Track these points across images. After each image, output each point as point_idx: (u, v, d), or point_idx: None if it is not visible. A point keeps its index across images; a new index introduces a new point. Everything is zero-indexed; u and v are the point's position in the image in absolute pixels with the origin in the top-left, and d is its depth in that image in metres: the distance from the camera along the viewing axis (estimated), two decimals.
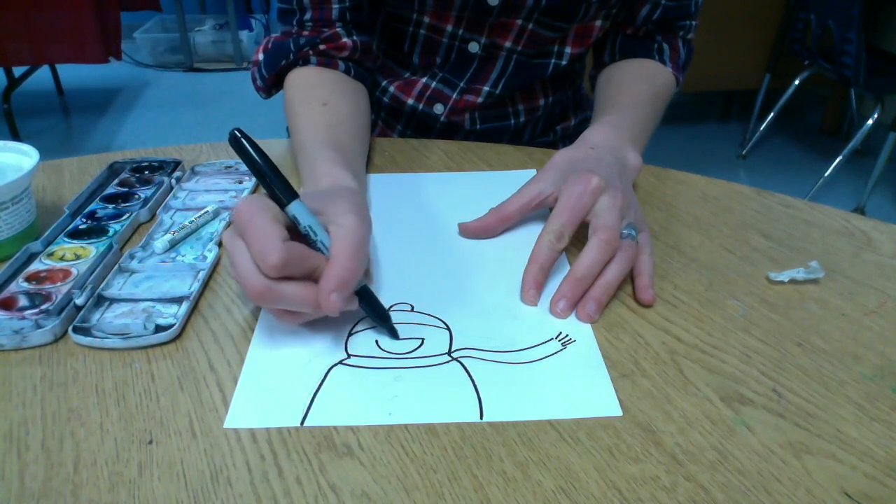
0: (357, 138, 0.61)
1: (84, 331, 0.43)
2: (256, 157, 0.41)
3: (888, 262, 0.53)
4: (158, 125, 2.76)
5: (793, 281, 0.50)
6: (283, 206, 0.41)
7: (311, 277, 0.41)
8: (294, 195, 0.41)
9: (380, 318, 0.44)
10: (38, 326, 0.43)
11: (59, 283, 0.47)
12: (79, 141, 2.60)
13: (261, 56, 0.70)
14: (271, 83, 0.70)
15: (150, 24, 3.45)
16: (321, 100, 0.62)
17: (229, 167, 0.66)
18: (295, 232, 0.41)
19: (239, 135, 0.41)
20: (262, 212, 0.40)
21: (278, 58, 0.68)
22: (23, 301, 0.45)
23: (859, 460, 0.35)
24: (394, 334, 0.43)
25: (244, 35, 3.39)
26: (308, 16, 0.68)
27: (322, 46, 0.67)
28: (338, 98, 0.63)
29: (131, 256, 0.51)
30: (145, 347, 0.42)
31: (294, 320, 0.42)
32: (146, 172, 0.64)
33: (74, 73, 3.04)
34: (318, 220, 0.42)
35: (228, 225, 0.55)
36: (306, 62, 0.68)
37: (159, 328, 0.43)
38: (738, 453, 0.35)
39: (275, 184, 0.41)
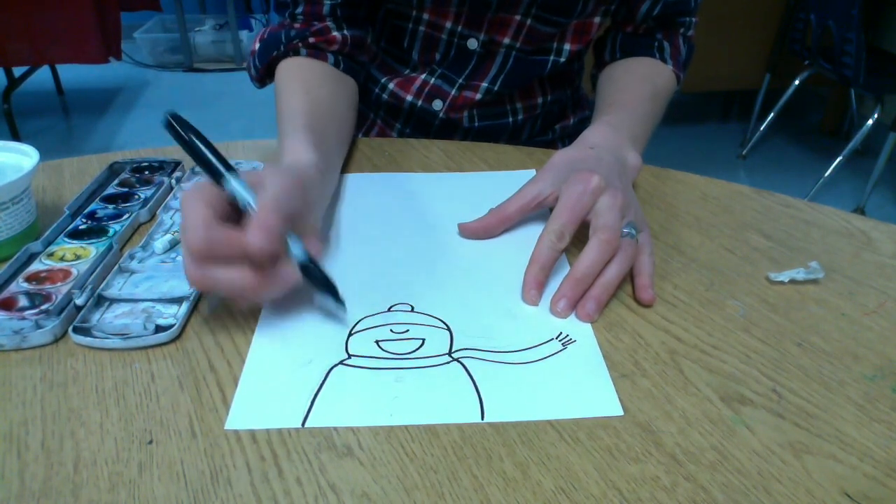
0: (335, 120, 0.62)
1: (84, 331, 0.43)
2: (190, 138, 0.42)
3: (888, 262, 0.53)
4: (158, 125, 2.72)
5: (793, 281, 0.50)
6: (220, 183, 0.42)
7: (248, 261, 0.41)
8: (229, 171, 0.42)
9: (326, 290, 0.44)
10: (39, 327, 0.43)
11: (59, 284, 0.47)
12: (79, 141, 2.60)
13: (256, 46, 0.72)
14: (263, 73, 0.72)
15: (150, 24, 3.45)
16: (304, 88, 0.63)
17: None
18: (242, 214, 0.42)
19: (171, 119, 0.42)
20: (195, 193, 0.41)
21: (270, 48, 0.69)
22: (23, 301, 0.45)
23: (859, 460, 0.35)
24: (340, 303, 0.44)
25: (244, 35, 3.39)
26: (300, 9, 0.69)
27: (312, 39, 0.68)
28: (319, 85, 0.65)
29: (131, 257, 0.51)
30: (145, 348, 0.42)
31: (241, 305, 0.44)
32: (146, 172, 0.64)
33: (74, 73, 3.04)
34: (258, 194, 0.42)
35: None
36: (296, 53, 0.69)
37: (159, 328, 0.43)
38: (738, 453, 0.35)
39: (210, 163, 0.42)
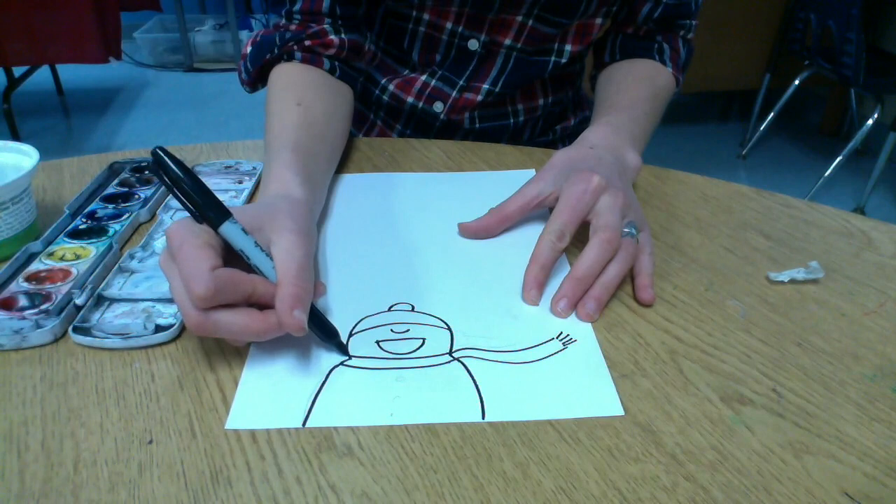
0: (326, 141, 0.59)
1: (84, 331, 0.43)
2: (182, 178, 0.38)
3: (888, 262, 0.53)
4: (158, 125, 2.75)
5: (793, 281, 0.50)
6: (215, 228, 0.39)
7: (249, 302, 0.40)
8: (225, 216, 0.39)
9: (327, 336, 0.42)
10: (38, 326, 0.43)
11: (59, 283, 0.47)
12: (79, 141, 2.60)
13: (248, 49, 0.69)
14: (255, 77, 0.69)
15: (150, 24, 3.45)
16: (296, 99, 0.60)
17: (229, 167, 0.66)
18: (234, 251, 0.40)
19: (162, 154, 0.38)
20: (191, 237, 0.38)
21: (263, 51, 0.67)
22: (23, 301, 0.45)
23: (859, 460, 0.35)
24: (343, 351, 0.42)
25: (244, 35, 3.38)
26: (298, 6, 0.67)
27: (307, 42, 0.66)
28: (314, 98, 0.62)
29: (131, 256, 0.51)
30: (145, 347, 0.42)
31: (237, 344, 0.42)
32: (146, 172, 0.64)
33: (74, 73, 3.04)
34: (255, 238, 0.40)
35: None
36: (290, 57, 0.66)
37: (159, 328, 0.43)
38: (738, 453, 0.35)
39: (205, 206, 0.39)
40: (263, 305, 0.40)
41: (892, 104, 2.34)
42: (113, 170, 0.64)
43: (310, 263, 0.41)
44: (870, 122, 2.12)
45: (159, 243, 0.52)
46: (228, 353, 0.42)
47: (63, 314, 0.44)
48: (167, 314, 0.45)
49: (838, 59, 2.04)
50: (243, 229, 0.40)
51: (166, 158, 0.38)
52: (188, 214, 0.40)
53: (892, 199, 2.28)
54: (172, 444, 0.36)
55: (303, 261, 0.40)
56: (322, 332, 0.42)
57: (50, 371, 0.41)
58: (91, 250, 0.51)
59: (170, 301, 0.46)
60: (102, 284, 0.47)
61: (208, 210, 0.39)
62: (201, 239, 0.39)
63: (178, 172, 0.39)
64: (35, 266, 0.49)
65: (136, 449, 0.35)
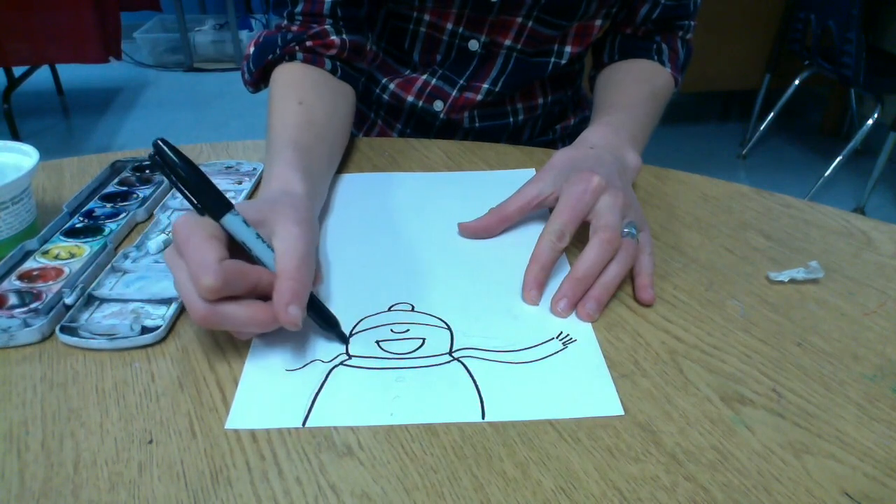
0: (326, 141, 0.60)
1: (71, 331, 0.43)
2: (184, 170, 0.39)
3: (888, 262, 0.53)
4: (158, 125, 2.75)
5: (793, 281, 0.50)
6: (217, 220, 0.40)
7: (254, 293, 0.40)
8: (227, 208, 0.40)
9: (328, 325, 0.42)
10: (26, 325, 0.42)
11: (50, 282, 0.47)
12: (79, 141, 2.60)
13: (251, 50, 0.69)
14: (258, 78, 0.69)
15: (150, 24, 3.45)
16: (297, 98, 0.61)
17: (230, 167, 0.66)
18: (237, 245, 0.40)
19: (163, 145, 0.38)
20: (198, 229, 0.38)
21: (265, 52, 0.67)
22: (13, 299, 0.45)
23: (859, 460, 0.35)
24: (343, 339, 0.42)
25: (244, 35, 3.38)
26: (299, 8, 0.67)
27: (309, 43, 0.66)
28: (315, 98, 0.62)
29: (125, 256, 0.50)
30: (130, 349, 0.42)
31: (241, 337, 0.42)
32: (147, 171, 0.64)
33: (74, 73, 3.04)
34: (258, 231, 0.41)
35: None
36: (292, 58, 0.66)
37: (145, 329, 0.43)
38: (738, 453, 0.35)
39: (207, 197, 0.39)
40: (268, 296, 0.40)
41: (892, 104, 2.33)
42: (115, 168, 0.64)
43: (311, 256, 0.41)
44: (870, 122, 2.12)
45: (153, 243, 0.51)
46: (228, 352, 0.42)
47: (52, 313, 0.44)
48: (155, 315, 0.44)
49: (838, 59, 2.04)
50: (245, 221, 0.40)
51: (167, 150, 0.38)
52: (186, 212, 0.40)
53: (892, 199, 2.28)
54: (172, 444, 0.36)
55: (303, 253, 0.40)
56: (322, 320, 0.42)
57: (50, 371, 0.41)
58: (85, 249, 0.51)
59: (159, 302, 0.46)
60: (94, 284, 0.47)
61: (210, 202, 0.39)
62: (207, 231, 0.39)
63: (180, 164, 0.39)
64: (29, 264, 0.49)
65: (136, 449, 0.35)
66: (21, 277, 0.48)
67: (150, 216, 0.58)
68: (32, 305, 0.44)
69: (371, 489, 0.33)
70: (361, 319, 0.45)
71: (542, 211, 0.55)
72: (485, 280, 0.49)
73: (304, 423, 0.37)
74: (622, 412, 0.38)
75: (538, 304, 0.46)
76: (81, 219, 0.56)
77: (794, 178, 2.40)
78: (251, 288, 0.40)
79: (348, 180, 0.64)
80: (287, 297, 0.38)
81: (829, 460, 0.35)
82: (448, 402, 0.38)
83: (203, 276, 0.36)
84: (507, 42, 0.73)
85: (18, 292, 0.46)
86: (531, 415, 0.37)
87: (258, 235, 0.41)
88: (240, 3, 3.54)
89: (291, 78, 0.65)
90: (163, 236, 0.52)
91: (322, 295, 0.47)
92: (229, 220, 0.40)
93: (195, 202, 0.40)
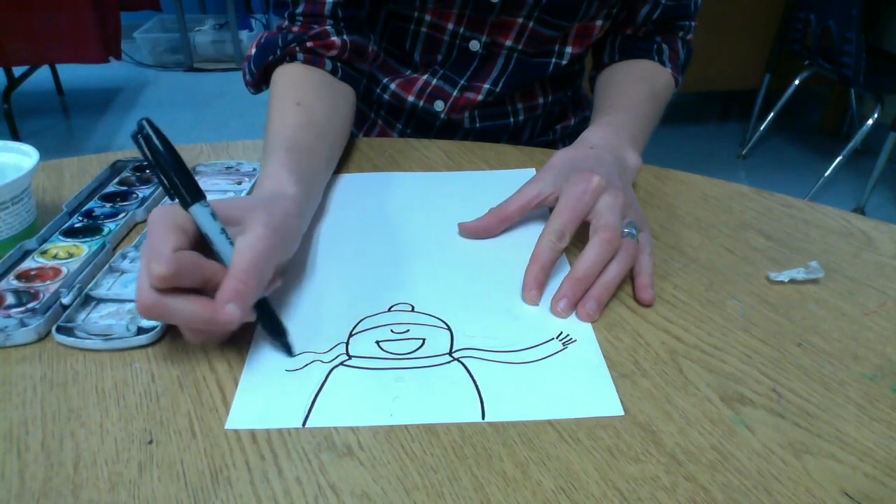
0: (325, 141, 0.59)
1: (67, 331, 0.43)
2: (162, 152, 0.38)
3: (888, 262, 0.53)
4: (158, 125, 2.74)
5: (793, 281, 0.50)
6: (186, 208, 0.39)
7: (208, 288, 0.39)
8: (197, 197, 0.39)
9: (275, 333, 0.42)
10: (23, 325, 0.42)
11: (48, 282, 0.47)
12: (79, 141, 2.60)
13: (252, 51, 0.69)
14: (259, 79, 0.69)
15: (150, 24, 3.45)
16: (296, 99, 0.61)
17: (230, 168, 0.66)
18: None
19: (147, 125, 0.38)
20: (164, 219, 0.38)
21: (266, 53, 0.67)
22: (10, 299, 0.45)
23: (859, 460, 0.35)
24: (288, 351, 0.42)
25: (244, 35, 3.39)
26: (300, 9, 0.67)
27: (309, 44, 0.66)
28: (314, 98, 0.62)
29: (123, 256, 0.50)
30: (126, 349, 0.42)
31: (193, 339, 0.41)
32: (147, 171, 0.64)
33: (74, 73, 3.04)
34: (231, 228, 0.40)
35: None
36: (293, 59, 0.66)
37: (141, 330, 0.42)
38: (738, 453, 0.35)
39: (179, 184, 0.39)
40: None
41: (892, 104, 2.33)
42: (115, 168, 0.64)
43: (268, 260, 0.40)
44: (870, 122, 2.12)
45: None
46: (228, 352, 0.42)
47: (48, 313, 0.44)
48: None
49: (838, 59, 2.04)
50: (213, 214, 0.40)
51: (150, 130, 0.38)
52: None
53: (892, 199, 2.28)
54: (172, 444, 0.36)
55: (259, 255, 0.40)
56: (271, 326, 0.41)
57: (50, 371, 0.41)
58: (83, 249, 0.51)
59: None
60: (91, 284, 0.47)
61: (182, 189, 0.39)
62: (175, 222, 0.39)
63: (160, 146, 0.38)
64: (27, 264, 0.49)
65: (136, 449, 0.35)
66: (19, 277, 0.48)
67: None
68: (29, 305, 0.44)
69: (371, 489, 0.33)
70: (361, 319, 0.45)
71: (542, 211, 0.55)
72: (485, 280, 0.49)
73: (304, 424, 0.37)
74: (622, 412, 0.38)
75: (538, 305, 0.46)
76: (81, 218, 0.56)
77: (794, 178, 2.40)
78: (203, 282, 0.39)
79: (348, 180, 0.64)
80: (229, 294, 0.38)
81: (829, 460, 0.35)
82: (448, 402, 0.38)
83: (154, 263, 0.36)
84: (508, 42, 0.73)
85: (16, 292, 0.46)
86: (531, 415, 0.37)
87: (223, 231, 0.40)
88: (240, 3, 3.54)
89: (291, 79, 0.65)
90: None
91: (322, 295, 0.47)
92: (197, 210, 0.39)
93: (167, 185, 0.39)
